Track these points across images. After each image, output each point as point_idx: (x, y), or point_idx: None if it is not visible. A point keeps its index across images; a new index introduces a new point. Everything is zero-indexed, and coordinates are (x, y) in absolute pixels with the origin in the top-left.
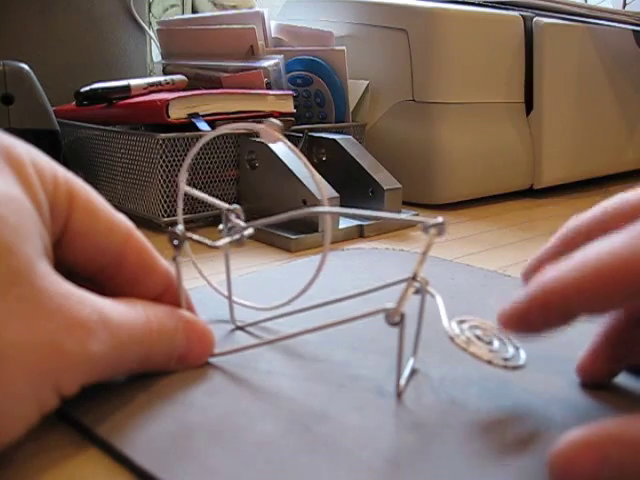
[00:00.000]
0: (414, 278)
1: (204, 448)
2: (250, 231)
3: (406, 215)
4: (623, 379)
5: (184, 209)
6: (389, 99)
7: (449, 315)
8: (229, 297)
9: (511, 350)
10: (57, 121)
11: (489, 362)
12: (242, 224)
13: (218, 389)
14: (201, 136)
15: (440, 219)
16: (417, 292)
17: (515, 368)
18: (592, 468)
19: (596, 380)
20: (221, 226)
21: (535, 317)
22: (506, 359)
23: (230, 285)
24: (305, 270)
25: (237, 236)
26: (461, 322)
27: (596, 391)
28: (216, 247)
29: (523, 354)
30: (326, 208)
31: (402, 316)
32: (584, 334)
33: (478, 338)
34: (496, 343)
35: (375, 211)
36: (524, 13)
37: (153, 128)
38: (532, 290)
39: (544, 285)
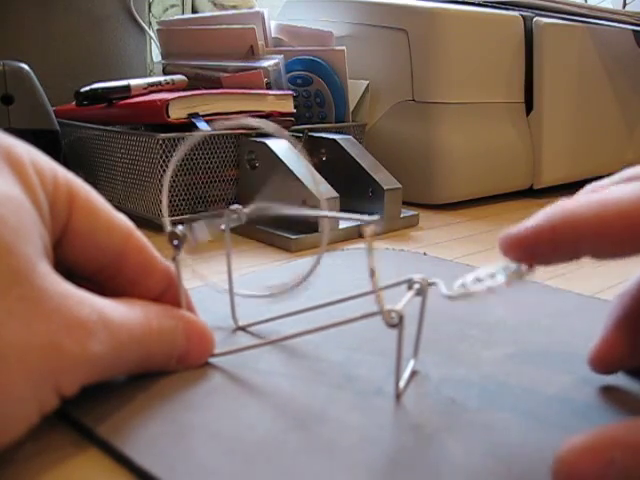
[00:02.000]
0: (414, 280)
1: (204, 448)
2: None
3: (408, 214)
4: (623, 379)
5: (184, 209)
6: (389, 99)
7: (449, 316)
8: (230, 294)
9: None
10: (57, 121)
11: (490, 290)
12: (244, 211)
13: (218, 389)
14: (202, 137)
15: (376, 217)
16: (418, 293)
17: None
18: (597, 472)
19: (609, 370)
20: (223, 226)
21: (542, 248)
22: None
23: (231, 282)
24: (305, 270)
25: (235, 216)
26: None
27: (596, 391)
28: (221, 230)
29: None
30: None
31: (401, 318)
32: (585, 334)
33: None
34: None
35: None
36: (524, 13)
37: (153, 128)
38: (543, 220)
39: (557, 216)
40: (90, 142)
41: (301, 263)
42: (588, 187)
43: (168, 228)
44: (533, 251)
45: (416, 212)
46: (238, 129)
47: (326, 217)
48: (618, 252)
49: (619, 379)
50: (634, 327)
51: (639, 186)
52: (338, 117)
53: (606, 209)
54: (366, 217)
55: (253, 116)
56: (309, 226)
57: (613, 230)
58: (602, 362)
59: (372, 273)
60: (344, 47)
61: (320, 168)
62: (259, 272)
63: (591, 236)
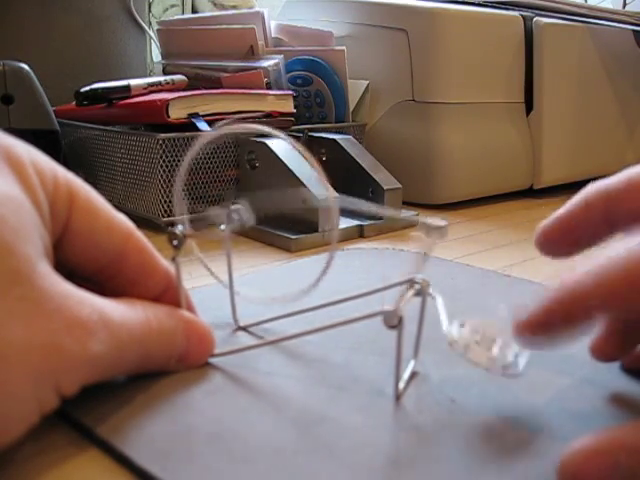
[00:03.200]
0: (414, 280)
1: (204, 448)
2: (252, 218)
3: (408, 214)
4: (623, 380)
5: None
6: (389, 99)
7: (449, 316)
8: (231, 293)
9: (510, 356)
10: (57, 121)
11: (487, 369)
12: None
13: (218, 389)
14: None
15: (443, 222)
16: (418, 294)
17: (513, 376)
18: (602, 475)
19: (611, 358)
20: (223, 226)
21: (556, 328)
22: (505, 366)
23: (232, 282)
24: (306, 270)
25: (236, 217)
26: (462, 325)
27: (596, 392)
28: (220, 231)
29: (523, 360)
30: (332, 201)
31: (400, 319)
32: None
33: (477, 343)
34: (495, 349)
35: (381, 208)
36: (524, 13)
37: (153, 128)
38: (552, 301)
39: (566, 295)
40: (90, 142)
41: (301, 263)
42: (593, 192)
43: (180, 229)
44: (548, 331)
45: (416, 212)
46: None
47: (389, 216)
48: (632, 314)
49: (619, 380)
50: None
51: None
52: (338, 117)
53: (610, 277)
54: (431, 220)
55: (253, 117)
56: (309, 226)
57: (622, 297)
58: (603, 351)
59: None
60: (344, 47)
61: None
62: (259, 272)
63: (602, 307)
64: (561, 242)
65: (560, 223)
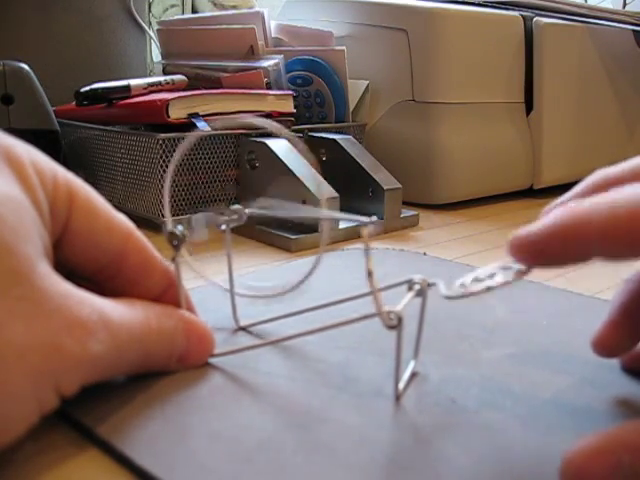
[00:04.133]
0: (413, 281)
1: (204, 448)
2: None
3: (408, 214)
4: (624, 380)
5: (184, 209)
6: (389, 99)
7: (449, 316)
8: (231, 294)
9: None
10: (57, 121)
11: (488, 288)
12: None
13: (218, 389)
14: (201, 137)
15: (374, 218)
16: (418, 294)
17: (505, 284)
18: (605, 474)
19: (613, 354)
20: (223, 226)
21: (552, 251)
22: (462, 285)
23: (232, 282)
24: (305, 270)
25: (235, 216)
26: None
27: (596, 392)
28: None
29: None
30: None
31: (400, 319)
32: (585, 334)
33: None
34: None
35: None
36: (524, 13)
37: (153, 128)
38: (553, 222)
39: (568, 219)
40: (90, 142)
41: (301, 263)
42: (597, 176)
43: (169, 227)
44: (543, 253)
45: (416, 212)
46: (240, 129)
47: (324, 218)
48: (628, 254)
49: (620, 380)
50: (638, 312)
51: None
52: (338, 117)
53: (616, 211)
54: (364, 218)
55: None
56: (309, 226)
57: (624, 232)
58: (605, 346)
59: (369, 274)
60: (344, 47)
61: (320, 168)
62: (259, 272)
63: (602, 238)
64: (531, 259)
65: (535, 241)
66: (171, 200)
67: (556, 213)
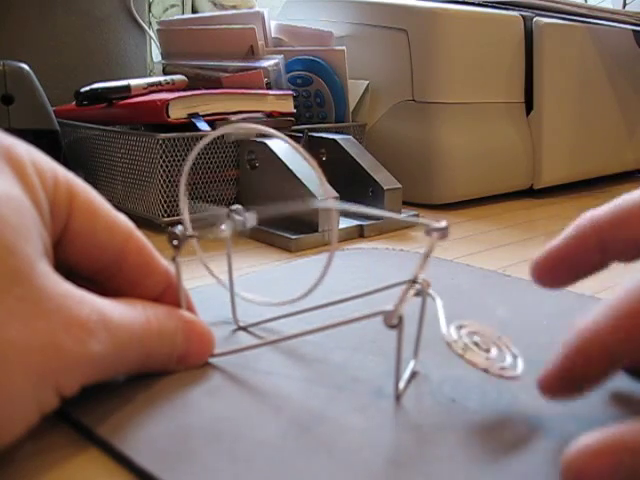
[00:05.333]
0: (414, 281)
1: (204, 448)
2: (253, 219)
3: (408, 216)
4: (624, 380)
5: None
6: (389, 99)
7: (449, 316)
8: (231, 294)
9: (509, 359)
10: (57, 121)
11: (485, 370)
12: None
13: (218, 389)
14: (201, 137)
15: (444, 223)
16: (418, 294)
17: (511, 378)
18: (606, 474)
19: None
20: (224, 226)
21: (579, 372)
22: (503, 368)
23: (232, 282)
24: (306, 270)
25: (239, 219)
26: (460, 327)
27: (596, 392)
28: (221, 237)
29: (521, 363)
30: (331, 203)
31: (400, 319)
32: None
33: (476, 345)
34: (494, 351)
35: (380, 210)
36: (524, 13)
37: (153, 128)
38: (572, 345)
39: (581, 336)
40: (90, 142)
41: (301, 263)
42: (585, 221)
43: (180, 229)
44: (571, 383)
45: (416, 212)
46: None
47: (389, 218)
48: None
49: (620, 379)
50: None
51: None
52: (338, 117)
53: (626, 319)
54: (431, 222)
55: (255, 116)
56: (309, 226)
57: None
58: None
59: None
60: (344, 47)
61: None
62: (259, 272)
63: (621, 352)
64: (556, 272)
65: (554, 254)
66: (171, 200)
67: (573, 340)
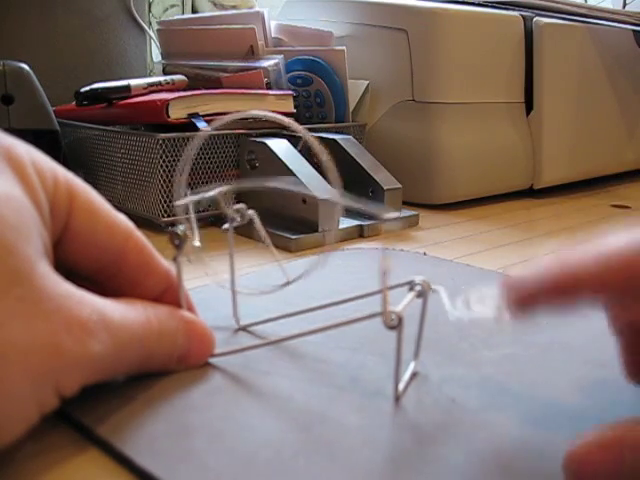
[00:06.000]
0: (415, 282)
1: (204, 448)
2: (252, 214)
3: (408, 214)
4: (622, 380)
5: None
6: (389, 99)
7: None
8: (232, 294)
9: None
10: (57, 121)
11: (496, 318)
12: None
13: (218, 389)
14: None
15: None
16: (419, 295)
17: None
18: (607, 469)
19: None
20: (226, 225)
21: (543, 298)
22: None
23: (234, 281)
24: (305, 267)
25: (238, 217)
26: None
27: (596, 392)
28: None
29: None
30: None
31: (400, 320)
32: (585, 334)
33: (480, 301)
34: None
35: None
36: (524, 13)
37: (153, 128)
38: (545, 270)
39: (559, 267)
40: (90, 142)
41: (301, 263)
42: (563, 258)
43: (181, 229)
44: (533, 300)
45: (416, 212)
46: (245, 123)
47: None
48: (617, 300)
49: (620, 379)
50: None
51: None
52: (338, 117)
53: (609, 259)
54: (385, 213)
55: (253, 116)
56: (309, 226)
57: (617, 280)
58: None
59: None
60: (344, 47)
61: (320, 168)
62: (259, 272)
63: (594, 286)
64: (521, 304)
65: (527, 288)
66: (171, 200)
67: (546, 261)
